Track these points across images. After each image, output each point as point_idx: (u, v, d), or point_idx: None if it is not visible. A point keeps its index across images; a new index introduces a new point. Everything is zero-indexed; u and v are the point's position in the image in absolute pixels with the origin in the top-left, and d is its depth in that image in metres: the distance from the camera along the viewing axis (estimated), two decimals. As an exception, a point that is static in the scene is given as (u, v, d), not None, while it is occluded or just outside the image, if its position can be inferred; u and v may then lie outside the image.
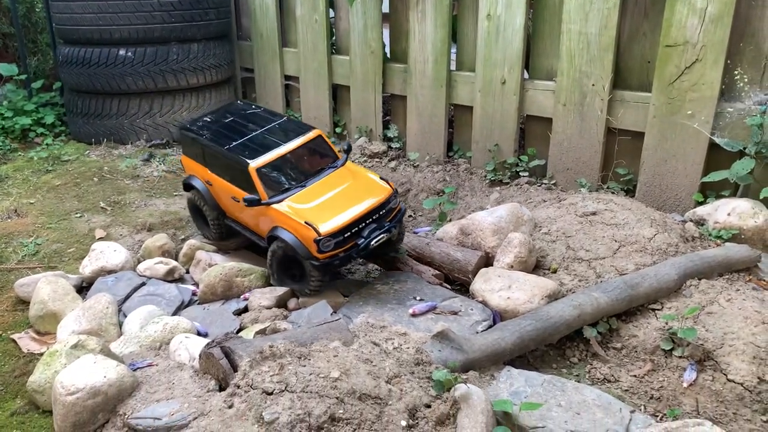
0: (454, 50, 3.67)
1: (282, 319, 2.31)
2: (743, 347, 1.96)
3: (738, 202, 2.61)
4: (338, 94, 4.39)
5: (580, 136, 3.20)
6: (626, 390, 2.01)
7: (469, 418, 1.60)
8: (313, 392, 1.56)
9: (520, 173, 3.45)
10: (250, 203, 2.40)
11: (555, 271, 2.43)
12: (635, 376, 2.04)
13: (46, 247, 3.00)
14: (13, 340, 2.34)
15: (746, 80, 2.72)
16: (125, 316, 2.38)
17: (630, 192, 3.13)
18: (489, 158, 3.53)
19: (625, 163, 3.15)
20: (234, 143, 2.57)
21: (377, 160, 3.96)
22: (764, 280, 2.34)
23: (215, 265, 2.60)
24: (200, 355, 1.86)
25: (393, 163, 3.90)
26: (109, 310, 2.31)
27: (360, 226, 2.35)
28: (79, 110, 4.33)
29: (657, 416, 1.90)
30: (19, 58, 4.83)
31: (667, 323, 2.12)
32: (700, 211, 2.70)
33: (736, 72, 2.74)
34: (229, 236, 2.89)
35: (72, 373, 1.77)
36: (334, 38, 4.33)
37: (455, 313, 2.23)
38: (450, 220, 3.04)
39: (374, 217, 2.38)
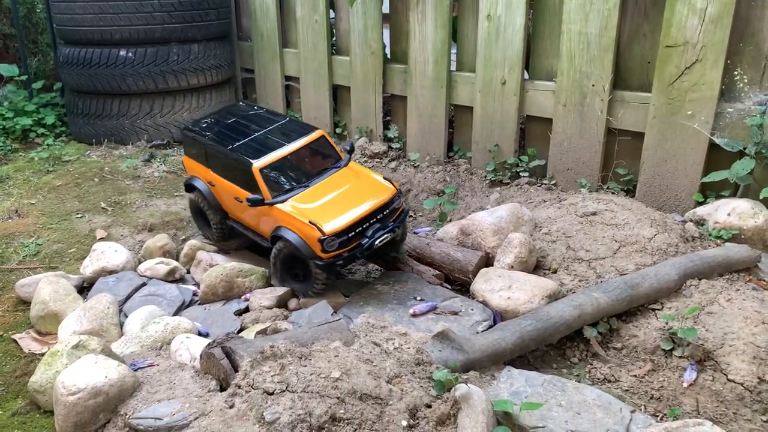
0: (454, 51, 3.67)
1: (283, 319, 2.31)
2: (743, 347, 1.96)
3: (738, 203, 2.62)
4: (338, 94, 4.39)
5: (580, 137, 3.20)
6: (626, 390, 2.01)
7: (469, 418, 1.61)
8: (314, 392, 1.57)
9: (521, 173, 3.45)
10: (254, 203, 2.40)
11: (555, 272, 2.44)
12: (635, 376, 2.05)
13: (47, 247, 3.00)
14: (15, 341, 2.35)
15: (746, 80, 2.72)
16: (126, 317, 2.38)
17: (630, 192, 3.13)
18: (489, 158, 3.53)
19: (625, 163, 3.15)
20: (237, 143, 2.57)
21: (377, 160, 3.96)
22: (764, 280, 2.34)
23: (216, 266, 2.60)
24: (201, 356, 1.87)
25: (393, 164, 3.90)
26: (110, 310, 2.31)
27: (364, 226, 2.36)
28: (79, 111, 4.34)
29: (657, 416, 1.90)
30: (19, 58, 4.84)
31: (667, 323, 2.12)
32: (700, 211, 2.70)
33: (736, 72, 2.74)
34: (230, 237, 2.89)
35: (73, 374, 1.78)
36: (334, 39, 4.33)
37: (456, 314, 2.23)
38: (450, 221, 3.05)
39: (378, 217, 2.39)
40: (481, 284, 2.34)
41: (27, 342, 2.34)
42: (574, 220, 2.65)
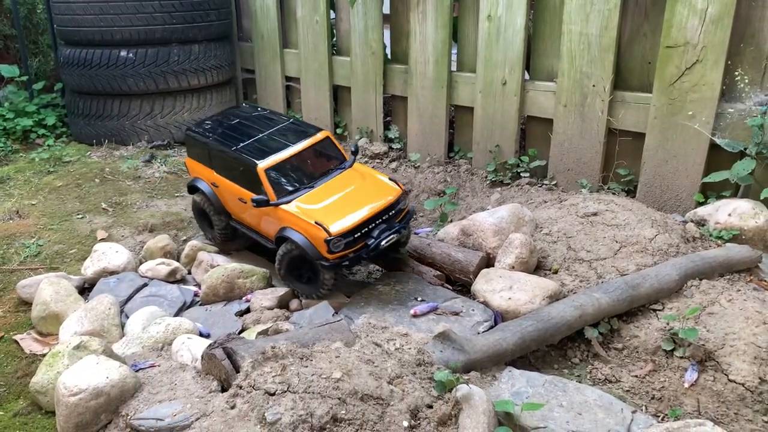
0: (454, 51, 3.67)
1: (284, 320, 2.32)
2: (744, 348, 1.96)
3: (739, 203, 2.62)
4: (339, 95, 4.39)
5: (580, 137, 3.20)
6: (628, 390, 2.01)
7: (470, 418, 1.61)
8: (315, 393, 1.57)
9: (521, 174, 3.45)
10: (259, 204, 2.39)
11: (556, 272, 2.44)
12: (636, 376, 2.05)
13: (48, 248, 3.00)
14: (16, 341, 2.35)
15: (747, 81, 2.72)
16: (127, 317, 2.38)
17: (631, 193, 3.13)
18: (490, 159, 3.53)
19: (625, 163, 3.15)
20: (241, 144, 2.57)
21: (378, 160, 3.97)
22: (765, 281, 2.34)
23: (217, 267, 2.61)
24: (202, 356, 1.87)
25: (394, 164, 3.91)
26: (111, 311, 2.31)
27: (370, 227, 2.36)
28: (80, 111, 4.34)
29: (658, 416, 1.91)
30: (20, 59, 4.84)
31: (668, 324, 2.12)
32: (701, 211, 2.70)
33: (736, 73, 2.74)
34: (233, 240, 2.89)
35: (75, 374, 1.78)
36: (334, 39, 4.34)
37: (457, 314, 2.23)
38: (451, 221, 3.04)
39: (384, 218, 2.39)
40: (482, 285, 2.34)
41: (28, 343, 2.35)
42: (574, 220, 2.65)
